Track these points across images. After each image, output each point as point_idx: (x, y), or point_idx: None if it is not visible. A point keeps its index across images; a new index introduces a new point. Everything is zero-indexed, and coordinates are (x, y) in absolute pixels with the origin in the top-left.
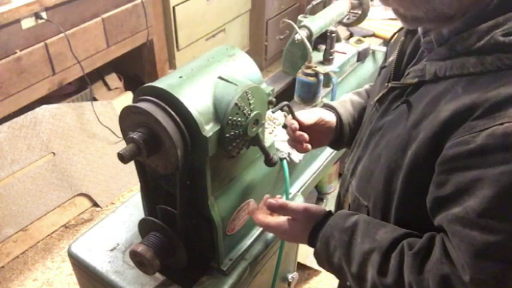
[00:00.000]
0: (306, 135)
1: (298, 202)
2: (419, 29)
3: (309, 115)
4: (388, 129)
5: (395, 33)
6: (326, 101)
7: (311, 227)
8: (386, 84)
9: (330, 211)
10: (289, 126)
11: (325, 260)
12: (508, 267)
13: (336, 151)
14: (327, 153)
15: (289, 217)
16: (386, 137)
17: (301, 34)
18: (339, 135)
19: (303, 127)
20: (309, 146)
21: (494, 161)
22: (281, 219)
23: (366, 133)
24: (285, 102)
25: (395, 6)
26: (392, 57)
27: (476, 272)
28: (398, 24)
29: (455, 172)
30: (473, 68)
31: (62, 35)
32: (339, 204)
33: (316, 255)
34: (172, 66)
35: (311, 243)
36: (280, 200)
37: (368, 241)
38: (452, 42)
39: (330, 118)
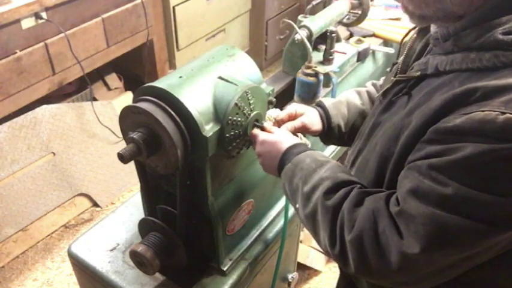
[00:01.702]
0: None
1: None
2: (432, 27)
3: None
4: (388, 119)
5: (409, 31)
6: None
7: (291, 144)
8: (392, 78)
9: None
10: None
11: (288, 178)
12: (440, 218)
13: (335, 151)
14: (328, 152)
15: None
16: (384, 127)
17: (301, 34)
18: (326, 135)
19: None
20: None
21: (465, 143)
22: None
23: (368, 125)
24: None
25: (404, 3)
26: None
27: (409, 207)
28: (398, 24)
29: (430, 144)
30: (471, 63)
31: (62, 35)
32: None
33: (284, 172)
34: (172, 66)
35: (282, 160)
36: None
37: (330, 173)
38: (456, 38)
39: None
